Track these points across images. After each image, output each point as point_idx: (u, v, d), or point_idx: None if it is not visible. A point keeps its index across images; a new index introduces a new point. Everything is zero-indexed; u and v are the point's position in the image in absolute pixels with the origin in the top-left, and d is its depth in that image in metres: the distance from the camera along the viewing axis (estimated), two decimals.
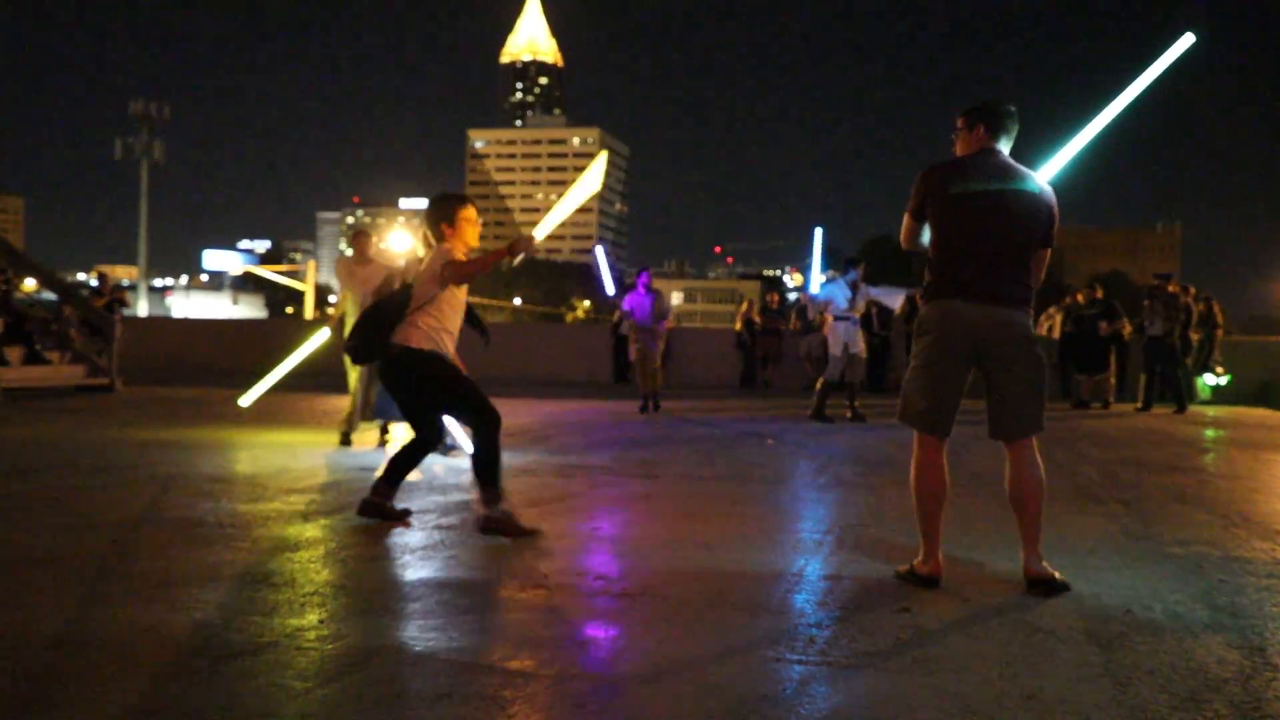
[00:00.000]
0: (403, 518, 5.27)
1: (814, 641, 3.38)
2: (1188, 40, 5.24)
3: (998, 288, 4.07)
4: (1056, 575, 4.06)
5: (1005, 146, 4.27)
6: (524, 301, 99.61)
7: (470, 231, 5.24)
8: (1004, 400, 4.11)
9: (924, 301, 4.24)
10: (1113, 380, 14.69)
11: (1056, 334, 16.58)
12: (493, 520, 4.89)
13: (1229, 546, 4.99)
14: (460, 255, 5.08)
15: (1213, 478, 7.74)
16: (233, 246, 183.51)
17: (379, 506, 5.21)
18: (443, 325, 5.08)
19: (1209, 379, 15.87)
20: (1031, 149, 4.73)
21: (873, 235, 76.48)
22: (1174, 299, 14.06)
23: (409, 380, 5.09)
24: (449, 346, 5.13)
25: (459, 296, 5.18)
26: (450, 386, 5.07)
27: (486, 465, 4.94)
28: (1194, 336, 15.27)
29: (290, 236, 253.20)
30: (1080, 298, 15.74)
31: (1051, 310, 18.15)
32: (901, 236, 4.43)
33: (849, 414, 11.47)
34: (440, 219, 5.20)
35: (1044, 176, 4.48)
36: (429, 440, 5.28)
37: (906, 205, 4.33)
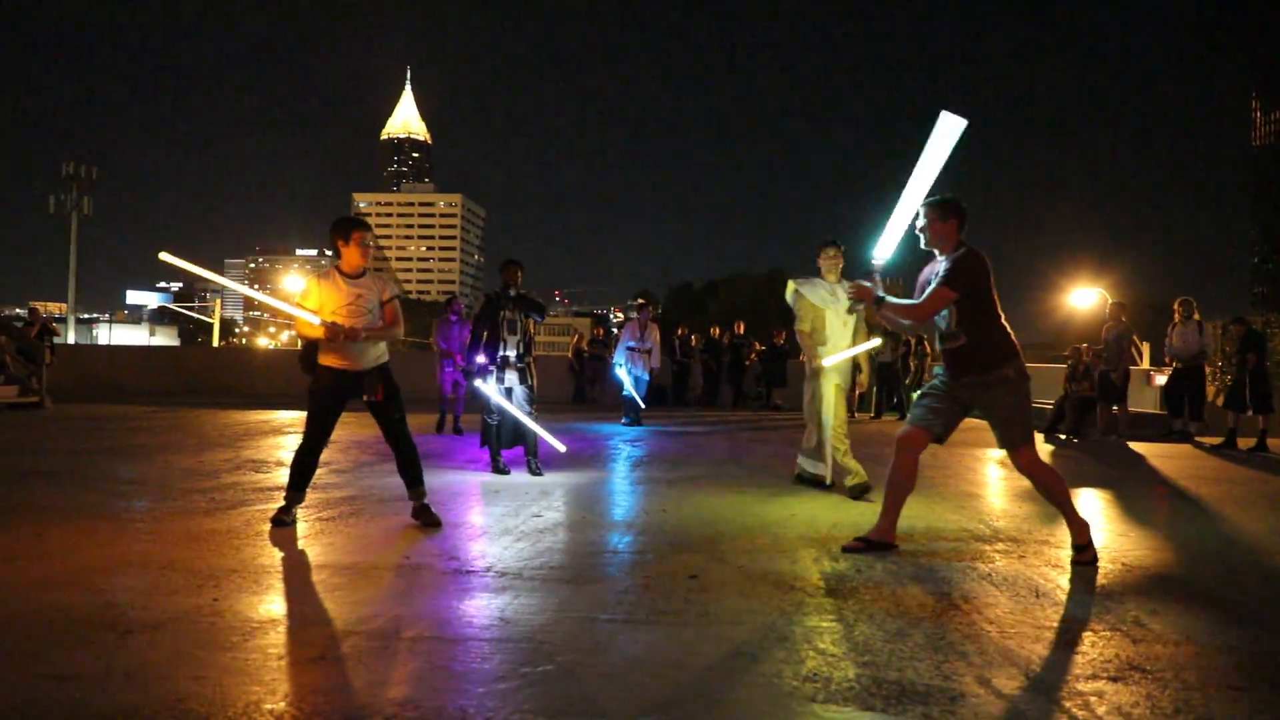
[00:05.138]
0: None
1: (622, 604, 3.42)
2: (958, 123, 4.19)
3: None
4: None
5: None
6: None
7: (354, 252, 4.81)
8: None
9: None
10: (857, 395, 15.34)
11: None
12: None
13: (931, 520, 5.30)
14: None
15: (925, 469, 8.18)
16: (151, 286, 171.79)
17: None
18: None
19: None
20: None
21: (678, 283, 78.22)
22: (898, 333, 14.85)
23: None
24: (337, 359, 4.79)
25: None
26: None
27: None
28: (913, 363, 16.16)
29: (202, 280, 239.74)
30: None
31: None
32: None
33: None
34: (335, 236, 4.85)
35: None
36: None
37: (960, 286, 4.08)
